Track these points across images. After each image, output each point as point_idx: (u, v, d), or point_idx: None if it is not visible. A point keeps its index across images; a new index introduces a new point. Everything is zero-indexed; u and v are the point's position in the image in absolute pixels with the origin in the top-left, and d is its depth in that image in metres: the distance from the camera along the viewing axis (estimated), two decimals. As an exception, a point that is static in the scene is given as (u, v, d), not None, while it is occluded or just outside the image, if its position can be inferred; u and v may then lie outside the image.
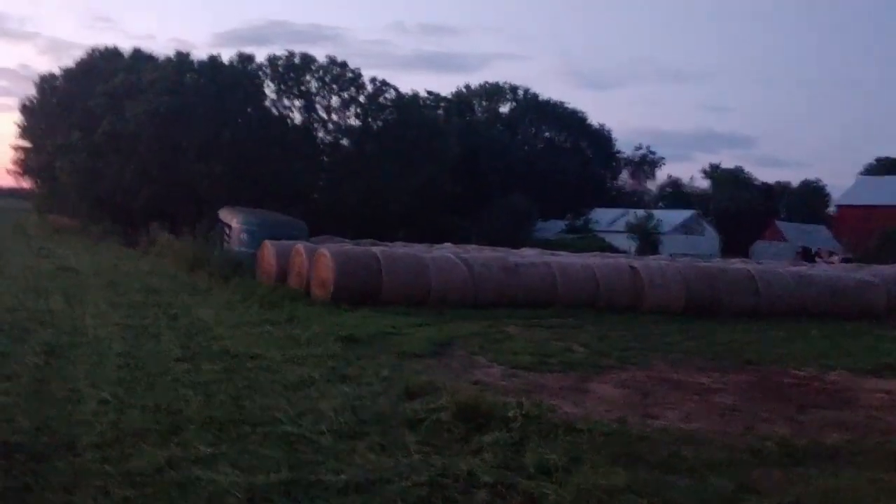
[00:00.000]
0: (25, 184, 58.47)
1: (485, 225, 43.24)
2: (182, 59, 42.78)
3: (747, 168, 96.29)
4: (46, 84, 50.55)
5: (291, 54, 45.24)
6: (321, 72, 45.76)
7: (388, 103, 45.82)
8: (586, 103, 79.85)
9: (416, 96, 49.68)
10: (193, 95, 38.12)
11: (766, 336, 15.41)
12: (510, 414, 7.47)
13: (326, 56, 45.78)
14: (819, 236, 57.49)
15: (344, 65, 46.02)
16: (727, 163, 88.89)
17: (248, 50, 69.92)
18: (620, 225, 52.49)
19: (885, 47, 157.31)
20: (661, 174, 76.38)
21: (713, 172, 74.14)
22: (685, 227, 54.23)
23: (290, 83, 45.21)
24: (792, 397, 9.96)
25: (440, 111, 54.14)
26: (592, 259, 22.04)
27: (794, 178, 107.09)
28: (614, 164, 69.90)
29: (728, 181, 69.25)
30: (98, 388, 8.04)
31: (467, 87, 65.20)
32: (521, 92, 64.55)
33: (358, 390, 8.60)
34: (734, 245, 52.03)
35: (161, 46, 72.93)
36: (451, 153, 45.14)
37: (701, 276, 19.87)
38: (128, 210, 37.94)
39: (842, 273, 23.54)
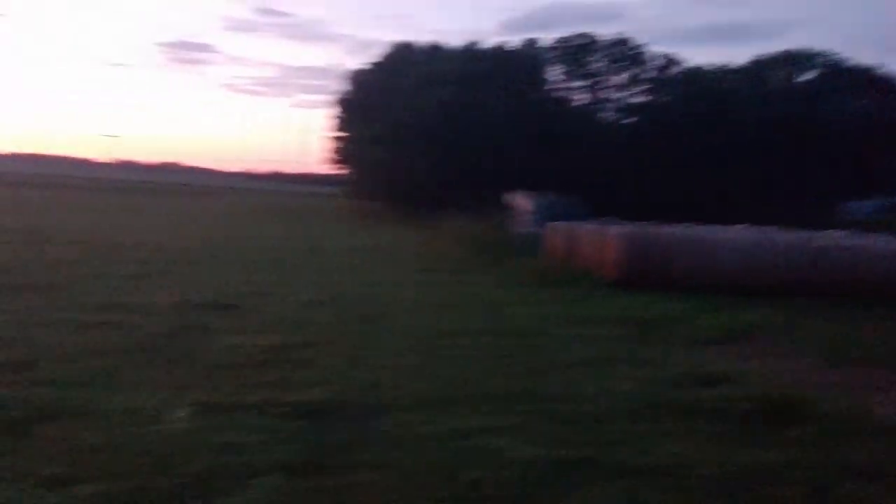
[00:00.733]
0: (339, 172, 64.64)
1: (786, 206, 40.00)
2: (470, 49, 44.68)
3: None
4: (354, 80, 55.34)
5: (576, 35, 45.27)
6: (606, 51, 45.27)
7: (676, 78, 44.15)
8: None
9: (704, 70, 47.28)
10: (482, 84, 39.66)
11: None
12: (822, 409, 6.87)
13: (612, 35, 45.15)
14: None
15: (628, 41, 45.13)
16: None
17: (533, 35, 71.13)
18: (950, 204, 45.80)
19: None
20: None
21: None
22: None
23: (574, 65, 45.30)
24: None
25: (732, 84, 50.94)
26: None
27: None
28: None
29: None
30: (404, 357, 8.70)
31: (761, 57, 60.53)
32: (823, 59, 58.54)
33: (650, 374, 8.43)
34: None
35: (452, 39, 76.71)
36: (745, 128, 42.35)
37: None
38: (424, 194, 40.54)
39: None
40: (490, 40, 58.33)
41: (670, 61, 44.49)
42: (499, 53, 43.31)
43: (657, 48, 44.89)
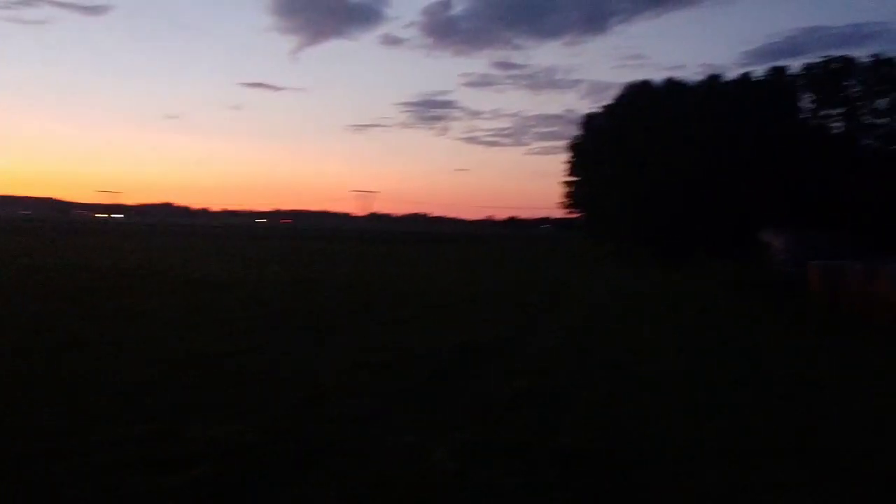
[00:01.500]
0: (574, 215, 64.83)
1: None
2: (712, 82, 43.06)
3: None
4: (589, 123, 55.49)
5: (829, 60, 42.03)
6: (864, 74, 41.54)
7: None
8: None
9: None
10: (727, 117, 38.01)
11: None
12: None
13: (869, 56, 41.37)
14: None
15: (891, 62, 41.05)
16: None
17: (780, 62, 67.10)
18: None
19: None
20: None
21: None
22: None
23: (828, 91, 42.02)
24: None
25: None
26: None
27: None
28: None
29: None
30: (664, 405, 8.40)
31: None
32: None
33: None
34: None
35: (691, 73, 74.54)
36: None
37: None
38: (670, 235, 39.35)
39: None
40: (731, 73, 55.78)
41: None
42: (742, 84, 41.29)
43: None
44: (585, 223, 60.39)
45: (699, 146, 37.29)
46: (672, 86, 49.14)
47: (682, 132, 38.05)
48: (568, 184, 59.16)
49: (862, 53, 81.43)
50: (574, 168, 57.22)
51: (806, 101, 42.39)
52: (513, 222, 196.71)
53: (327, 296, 18.98)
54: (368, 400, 8.29)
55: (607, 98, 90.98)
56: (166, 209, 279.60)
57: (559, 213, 72.04)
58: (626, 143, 42.86)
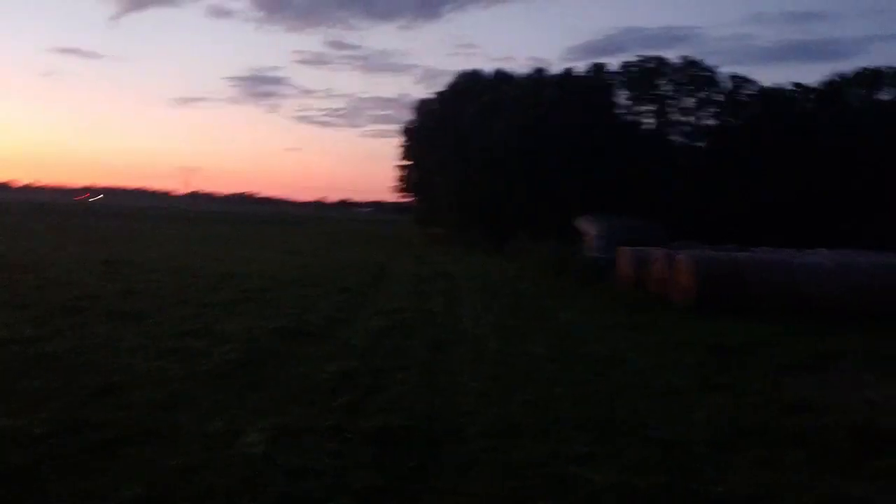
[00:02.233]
0: (407, 199, 65.43)
1: (873, 228, 38.49)
2: (538, 75, 44.80)
3: None
4: (422, 108, 56.10)
5: (644, 59, 44.89)
6: (675, 74, 44.76)
7: (749, 99, 43.30)
8: None
9: (779, 90, 46.23)
10: (550, 109, 39.67)
11: None
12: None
13: (680, 57, 44.61)
14: None
15: (698, 64, 44.52)
16: None
17: (600, 60, 70.81)
18: None
19: None
20: None
21: None
22: None
23: (642, 88, 44.90)
24: None
25: (809, 104, 49.67)
26: None
27: None
28: None
29: None
30: (478, 382, 8.68)
31: (841, 75, 58.79)
32: (905, 76, 56.44)
33: (732, 401, 8.19)
34: None
35: (519, 66, 77.19)
36: (823, 148, 41.11)
37: None
38: (494, 219, 40.60)
39: None
40: (556, 66, 58.36)
41: (742, 82, 43.66)
42: (566, 79, 43.27)
43: (728, 69, 44.10)
44: (416, 207, 61.14)
45: (524, 136, 38.71)
46: (501, 76, 50.67)
47: (508, 121, 39.33)
48: (401, 167, 59.58)
49: (673, 54, 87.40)
50: (407, 152, 57.67)
51: (622, 98, 45.07)
52: (346, 205, 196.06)
53: (139, 278, 18.01)
54: (177, 386, 7.99)
55: (440, 84, 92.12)
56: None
57: (392, 197, 72.43)
58: (456, 129, 43.76)
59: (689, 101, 44.87)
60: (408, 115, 57.83)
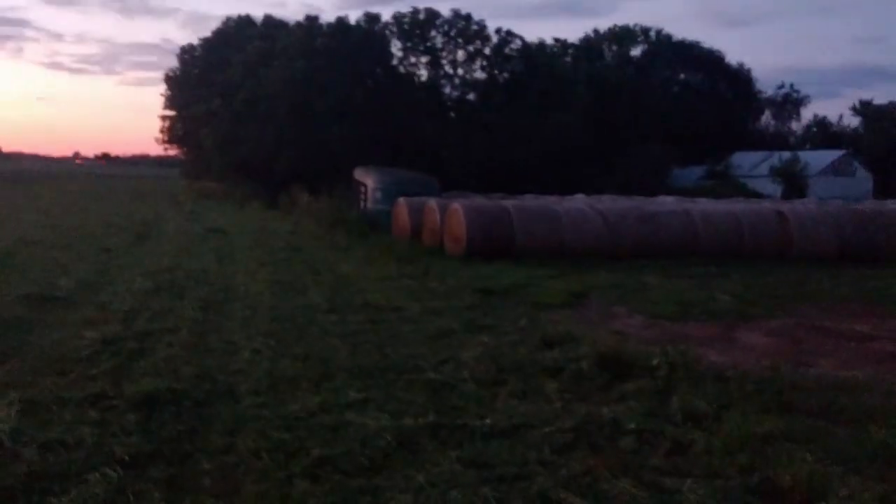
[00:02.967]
0: (173, 152, 61.91)
1: (619, 175, 42.11)
2: (311, 23, 43.78)
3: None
4: (187, 55, 52.94)
5: (416, 11, 45.36)
6: (446, 26, 45.71)
7: (514, 54, 45.28)
8: (724, 42, 76.59)
9: (542, 45, 48.80)
10: (324, 59, 39.02)
11: (930, 280, 14.32)
12: (654, 362, 7.32)
13: (451, 10, 45.57)
14: None
15: (468, 17, 45.75)
16: (880, 98, 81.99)
17: (374, 9, 70.73)
18: (764, 169, 49.84)
19: None
20: (807, 113, 71.61)
21: (865, 109, 68.55)
22: (834, 169, 50.82)
23: (415, 40, 45.43)
24: (963, 344, 9.24)
25: (568, 58, 52.97)
26: (735, 205, 21.13)
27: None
28: (755, 105, 66.07)
29: (882, 118, 63.96)
30: (252, 340, 8.49)
31: (596, 31, 63.15)
32: (653, 34, 61.95)
33: (496, 340, 8.68)
34: (890, 186, 48.37)
35: (291, 12, 75.02)
36: (580, 101, 44.15)
37: (854, 219, 18.67)
38: (268, 173, 39.50)
39: None
40: (329, 14, 57.51)
41: (507, 37, 45.51)
42: (341, 27, 42.67)
43: (496, 23, 45.75)
44: (184, 160, 58.07)
45: (296, 86, 37.84)
46: (271, 23, 48.94)
47: (279, 71, 38.21)
48: (165, 118, 56.04)
49: (444, 7, 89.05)
50: (171, 102, 54.30)
51: (397, 49, 45.35)
52: (105, 159, 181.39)
53: None
54: None
55: (207, 30, 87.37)
56: None
57: (157, 150, 68.24)
58: (224, 78, 41.81)
59: (460, 54, 46.13)
60: (171, 63, 54.24)
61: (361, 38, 42.28)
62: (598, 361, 7.39)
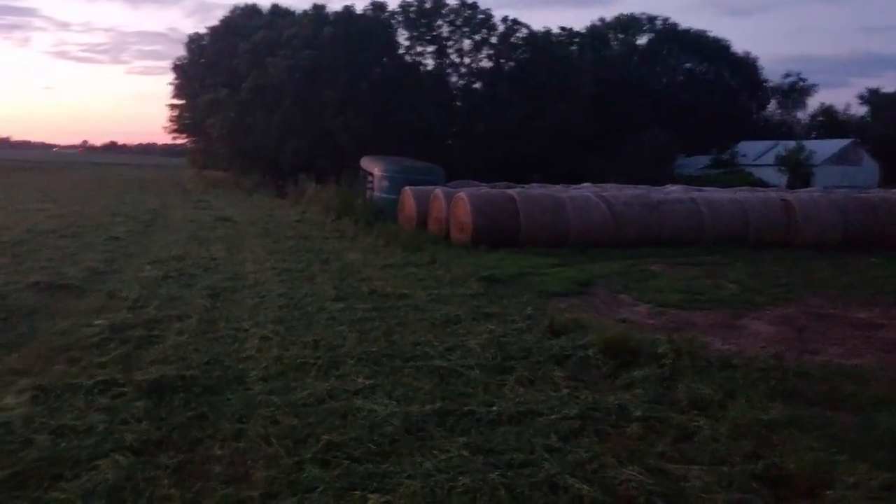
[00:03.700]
0: (181, 141, 61.99)
1: (625, 163, 42.04)
2: (318, 12, 43.73)
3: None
4: (194, 44, 52.95)
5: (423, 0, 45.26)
6: (452, 15, 45.59)
7: (520, 42, 45.16)
8: (729, 31, 76.29)
9: (548, 33, 48.64)
10: (330, 48, 39.00)
11: (937, 269, 14.32)
12: (660, 350, 7.36)
13: (457, -2, 45.44)
14: None
15: (475, 6, 45.63)
16: (888, 86, 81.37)
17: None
18: (769, 158, 49.65)
19: None
20: (813, 102, 71.16)
21: (872, 98, 68.06)
22: (840, 158, 50.62)
23: (422, 29, 45.34)
24: (969, 333, 9.24)
25: (574, 47, 52.78)
26: (740, 193, 21.08)
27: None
28: (760, 93, 65.74)
29: (890, 106, 63.53)
30: (260, 327, 8.54)
31: (602, 20, 62.90)
32: (658, 22, 61.68)
33: (503, 328, 8.71)
34: (896, 175, 48.23)
35: (298, 1, 74.71)
36: (586, 90, 44.02)
37: (859, 207, 18.63)
38: (275, 162, 39.60)
39: None
40: (337, 3, 57.34)
41: (514, 25, 45.39)
42: (347, 16, 42.60)
43: (503, 12, 45.66)
44: (191, 149, 58.15)
45: (302, 75, 37.82)
46: (278, 11, 48.90)
47: (285, 60, 38.18)
48: (173, 107, 56.11)
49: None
50: (179, 91, 54.37)
51: (403, 38, 45.28)
52: (115, 148, 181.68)
53: None
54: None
55: (214, 18, 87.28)
56: None
57: (165, 139, 68.37)
58: (231, 66, 41.82)
59: (467, 43, 46.02)
60: (178, 52, 54.18)
61: (367, 27, 42.22)
62: (604, 349, 7.43)
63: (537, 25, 47.73)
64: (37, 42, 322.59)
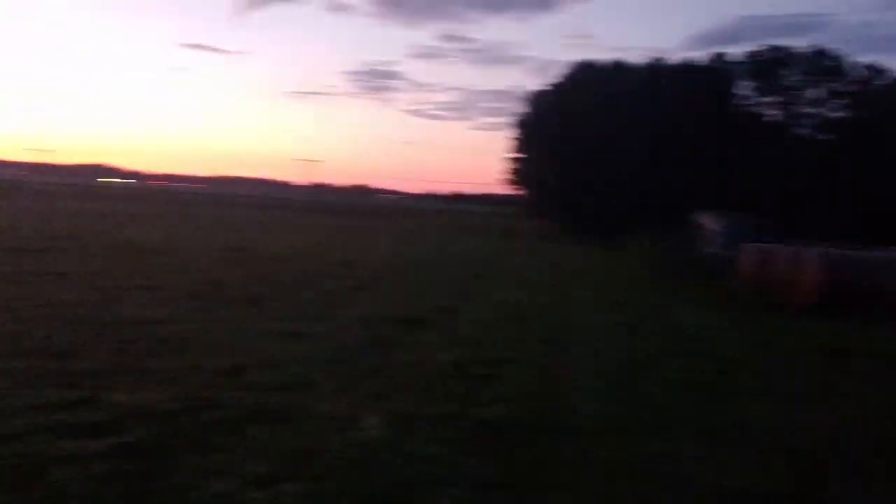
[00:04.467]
0: (517, 192, 65.12)
1: None
2: (655, 65, 43.63)
3: None
4: (535, 101, 55.60)
5: (770, 49, 43.01)
6: (802, 64, 42.68)
7: (883, 90, 40.76)
8: None
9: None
10: (668, 102, 38.58)
11: None
12: None
13: (809, 46, 42.48)
14: None
15: (826, 53, 42.27)
16: None
17: (721, 49, 68.30)
18: None
19: None
20: None
21: None
22: None
23: (766, 79, 43.03)
24: None
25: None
26: None
27: None
28: None
29: None
30: (591, 377, 8.54)
31: None
32: None
33: (861, 409, 7.75)
34: None
35: (636, 56, 75.28)
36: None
37: None
38: (607, 213, 39.87)
39: None
40: (675, 56, 56.67)
41: (875, 72, 41.16)
42: (684, 69, 41.95)
43: (862, 59, 41.72)
44: (527, 200, 60.75)
45: (641, 127, 37.82)
46: (617, 66, 49.61)
47: (625, 113, 38.51)
48: (512, 160, 59.34)
49: (799, 44, 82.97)
50: (519, 145, 57.39)
51: (744, 88, 43.34)
52: (458, 197, 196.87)
53: (260, 265, 18.70)
54: (298, 369, 8.22)
55: (554, 76, 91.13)
56: (97, 171, 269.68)
57: (503, 190, 72.45)
58: (571, 121, 43.17)
59: (817, 93, 42.71)
60: (520, 108, 57.32)
61: (707, 78, 41.13)
62: None
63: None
64: (398, 101, 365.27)
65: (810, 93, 42.96)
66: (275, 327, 10.50)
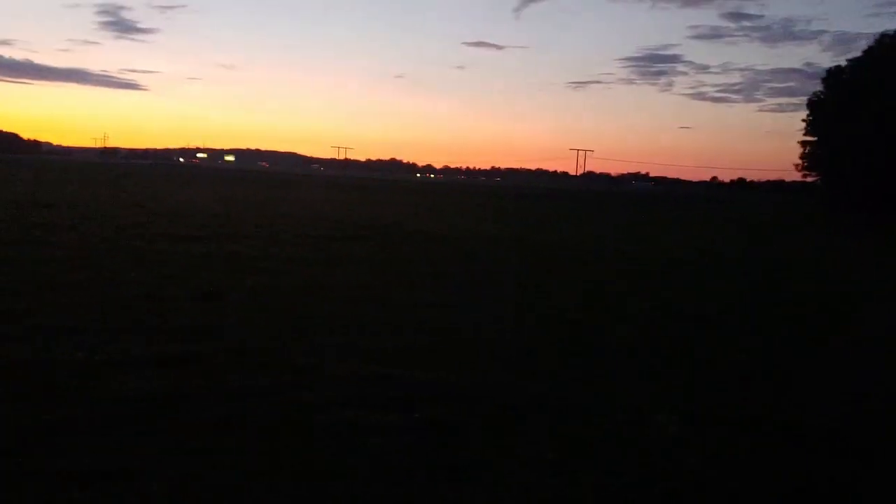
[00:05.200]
0: (811, 179, 59.88)
1: None
2: None
3: None
4: (833, 78, 50.61)
5: None
6: None
7: None
8: None
9: None
10: None
11: None
12: None
13: None
14: None
15: None
16: None
17: None
18: None
19: None
20: None
21: None
22: None
23: None
24: None
25: None
26: None
27: None
28: None
29: None
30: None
31: None
32: None
33: None
34: None
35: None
36: None
37: None
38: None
39: None
40: None
41: None
42: None
43: None
44: (821, 189, 55.56)
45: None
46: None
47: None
48: (805, 144, 54.56)
49: None
50: (813, 127, 52.61)
51: None
52: (742, 184, 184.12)
53: (545, 254, 19.01)
54: (582, 360, 8.20)
55: (855, 50, 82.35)
56: (392, 165, 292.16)
57: (794, 176, 66.84)
58: (879, 99, 38.47)
59: None
60: (813, 87, 52.58)
61: None
62: None
63: None
64: (677, 85, 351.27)
65: None
66: (561, 316, 10.58)
